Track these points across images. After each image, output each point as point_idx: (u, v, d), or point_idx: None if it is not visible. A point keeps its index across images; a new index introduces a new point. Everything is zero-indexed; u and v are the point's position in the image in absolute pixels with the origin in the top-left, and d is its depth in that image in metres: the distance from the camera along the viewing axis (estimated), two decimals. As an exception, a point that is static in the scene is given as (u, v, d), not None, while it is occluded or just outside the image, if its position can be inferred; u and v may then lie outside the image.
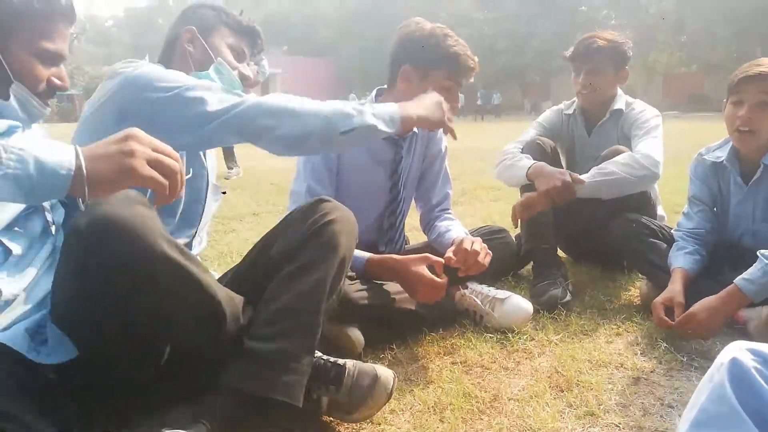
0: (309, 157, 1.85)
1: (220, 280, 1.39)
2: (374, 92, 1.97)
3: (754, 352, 0.67)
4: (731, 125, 1.84)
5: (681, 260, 1.90)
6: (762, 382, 0.64)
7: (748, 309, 1.74)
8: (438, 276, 1.66)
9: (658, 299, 1.78)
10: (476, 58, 1.82)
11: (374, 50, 34.67)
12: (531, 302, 1.95)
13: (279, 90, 43.91)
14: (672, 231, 2.07)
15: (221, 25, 1.54)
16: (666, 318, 1.73)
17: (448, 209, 2.15)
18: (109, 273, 1.01)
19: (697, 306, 1.67)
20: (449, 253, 1.73)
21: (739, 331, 1.73)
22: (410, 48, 1.80)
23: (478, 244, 1.74)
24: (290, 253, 1.26)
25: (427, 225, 2.14)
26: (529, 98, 33.90)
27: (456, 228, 1.99)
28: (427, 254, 1.70)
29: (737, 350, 0.68)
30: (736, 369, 0.66)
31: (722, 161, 1.93)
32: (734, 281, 1.65)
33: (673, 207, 3.08)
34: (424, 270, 1.66)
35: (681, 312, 1.71)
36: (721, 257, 1.95)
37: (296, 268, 1.24)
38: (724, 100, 1.89)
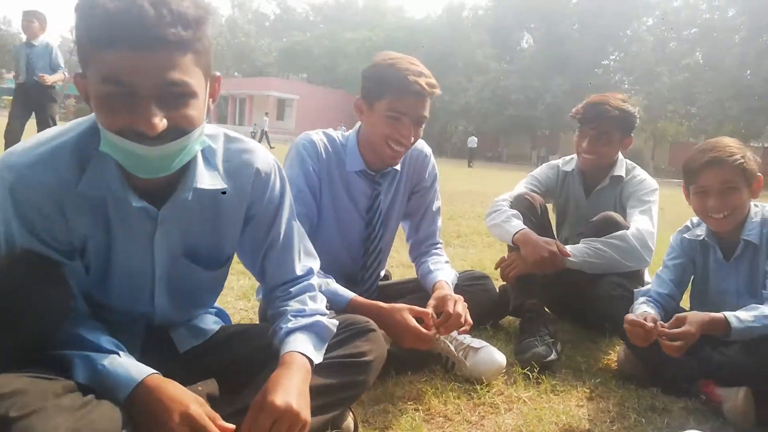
0: (292, 180, 1.77)
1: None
2: (357, 124, 1.93)
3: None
4: (704, 215, 1.82)
5: (646, 307, 1.84)
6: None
7: (724, 389, 1.69)
8: (425, 326, 1.63)
9: (630, 316, 1.72)
10: (427, 81, 1.70)
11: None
12: (516, 359, 1.96)
13: (294, 114, 44.39)
14: (639, 290, 2.00)
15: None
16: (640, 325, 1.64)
17: (437, 243, 2.10)
18: None
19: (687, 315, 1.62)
20: (430, 308, 1.70)
21: (713, 409, 1.68)
22: (362, 80, 1.79)
23: (461, 306, 1.70)
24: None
25: (415, 259, 2.10)
26: (537, 150, 34.11)
27: (441, 270, 1.95)
28: (413, 306, 1.66)
29: None
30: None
31: (703, 239, 1.91)
32: (723, 313, 1.59)
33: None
34: (410, 319, 1.62)
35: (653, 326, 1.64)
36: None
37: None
38: (685, 187, 1.86)
